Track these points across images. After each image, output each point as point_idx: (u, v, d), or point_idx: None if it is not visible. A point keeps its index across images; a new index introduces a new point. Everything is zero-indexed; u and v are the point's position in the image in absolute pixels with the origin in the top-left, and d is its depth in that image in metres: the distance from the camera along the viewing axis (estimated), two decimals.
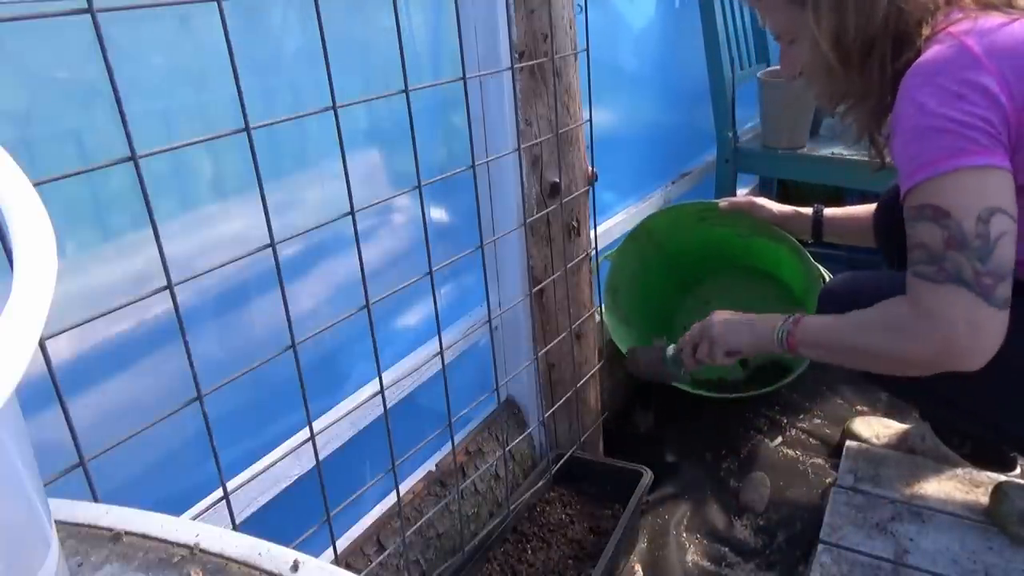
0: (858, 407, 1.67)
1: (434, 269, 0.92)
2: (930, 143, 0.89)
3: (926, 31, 0.95)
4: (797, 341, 1.10)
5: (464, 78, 0.90)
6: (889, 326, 0.98)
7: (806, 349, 1.10)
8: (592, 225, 1.31)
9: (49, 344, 0.55)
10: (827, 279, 1.56)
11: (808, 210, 1.48)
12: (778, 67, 2.11)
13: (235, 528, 0.76)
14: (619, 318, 1.67)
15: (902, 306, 0.96)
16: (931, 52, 0.92)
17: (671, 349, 1.30)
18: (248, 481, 0.82)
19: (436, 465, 1.21)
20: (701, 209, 1.66)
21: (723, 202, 1.57)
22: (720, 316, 1.22)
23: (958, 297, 0.89)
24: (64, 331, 0.57)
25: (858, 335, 1.02)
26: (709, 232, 1.69)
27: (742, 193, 2.18)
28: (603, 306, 1.65)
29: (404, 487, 1.16)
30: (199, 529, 0.46)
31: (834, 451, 1.54)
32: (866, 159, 1.87)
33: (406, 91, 0.81)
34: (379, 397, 0.88)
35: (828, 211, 1.46)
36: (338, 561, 0.95)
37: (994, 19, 0.91)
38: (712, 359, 1.21)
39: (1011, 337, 0.96)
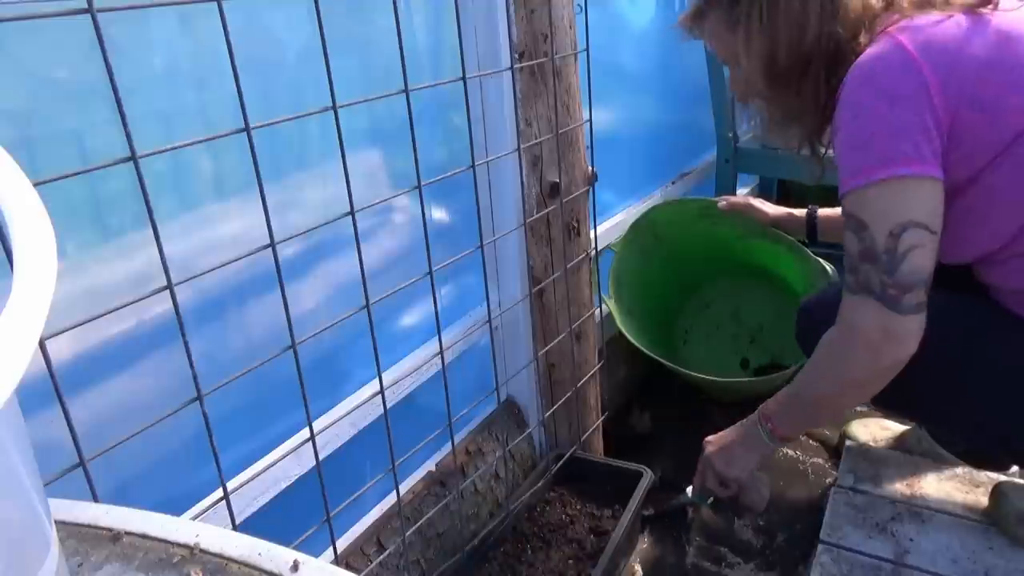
0: (858, 408, 1.67)
1: (434, 269, 0.92)
2: (860, 152, 0.91)
3: (864, 39, 0.95)
4: (780, 430, 1.11)
5: (464, 78, 0.90)
6: (828, 358, 1.01)
7: (791, 429, 1.11)
8: (592, 225, 1.31)
9: (49, 344, 0.55)
10: (831, 272, 1.57)
11: (802, 212, 1.49)
12: None
13: (235, 528, 0.76)
14: (624, 310, 1.67)
15: (830, 331, 1.00)
16: (868, 53, 0.92)
17: (688, 493, 1.29)
18: (248, 481, 0.82)
19: (436, 465, 1.21)
20: (703, 206, 1.66)
21: (722, 202, 1.57)
22: (711, 447, 1.20)
23: (868, 306, 0.93)
24: (64, 331, 0.57)
25: (811, 385, 1.05)
26: (710, 231, 1.69)
27: (742, 193, 2.18)
28: (608, 295, 1.65)
29: (404, 487, 1.16)
30: (199, 529, 0.46)
31: (834, 451, 1.54)
32: None
33: (406, 91, 0.81)
34: (379, 397, 0.88)
35: (822, 212, 1.47)
36: (338, 561, 0.95)
37: (930, 16, 0.91)
38: (728, 489, 1.19)
39: (998, 349, 0.98)
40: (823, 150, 1.10)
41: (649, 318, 1.77)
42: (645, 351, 1.59)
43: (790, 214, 1.50)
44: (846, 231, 0.94)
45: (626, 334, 1.60)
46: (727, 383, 1.67)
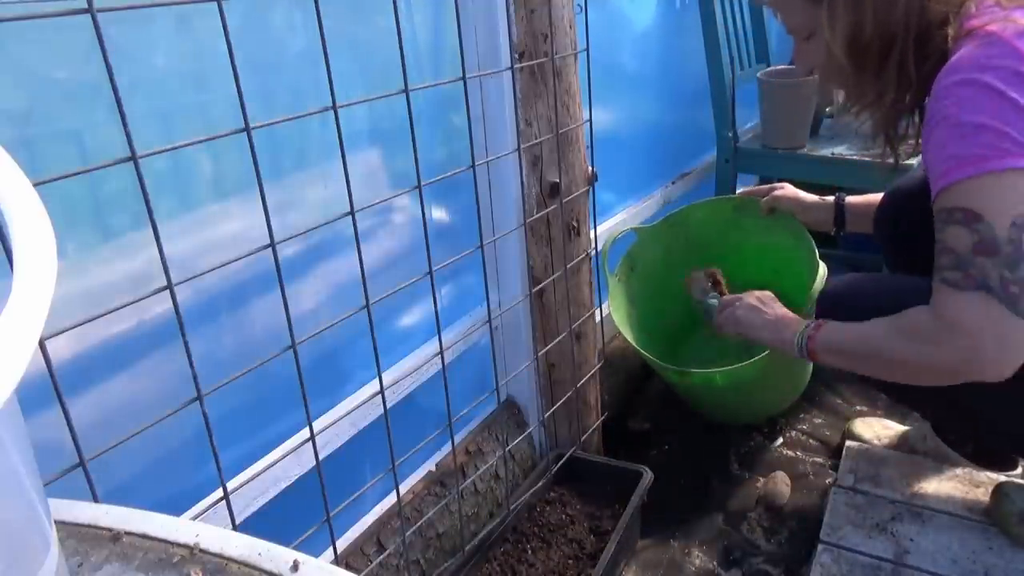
0: (858, 407, 1.67)
1: (434, 269, 0.92)
2: (968, 142, 0.84)
3: (951, 31, 0.91)
4: (817, 347, 1.08)
5: (464, 78, 0.90)
6: (915, 334, 0.94)
7: (827, 356, 1.08)
8: (592, 225, 1.31)
9: (49, 344, 0.55)
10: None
11: (830, 199, 1.46)
12: (778, 67, 2.12)
13: (235, 528, 0.76)
14: (627, 296, 1.66)
15: (925, 314, 0.93)
16: (968, 50, 0.87)
17: (713, 301, 1.42)
18: (248, 481, 0.82)
19: (436, 465, 1.21)
20: (738, 205, 1.68)
21: (764, 206, 1.58)
22: (749, 301, 1.25)
23: (983, 305, 0.85)
24: (64, 331, 0.57)
25: (883, 343, 0.99)
26: (734, 231, 1.70)
27: (740, 190, 2.17)
28: (613, 273, 1.63)
29: (404, 487, 1.16)
30: (199, 529, 0.46)
31: (834, 451, 1.54)
32: (866, 159, 1.88)
33: (406, 91, 0.81)
34: (379, 397, 0.88)
35: (851, 199, 1.44)
36: (338, 561, 0.95)
37: None
38: (729, 334, 1.28)
39: None
40: (899, 145, 1.08)
41: (653, 316, 1.75)
42: (634, 344, 1.56)
43: (819, 202, 1.48)
44: (949, 226, 0.87)
45: (617, 325, 1.57)
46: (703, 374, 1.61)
